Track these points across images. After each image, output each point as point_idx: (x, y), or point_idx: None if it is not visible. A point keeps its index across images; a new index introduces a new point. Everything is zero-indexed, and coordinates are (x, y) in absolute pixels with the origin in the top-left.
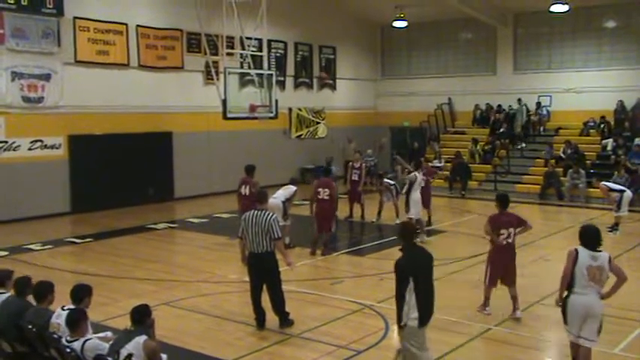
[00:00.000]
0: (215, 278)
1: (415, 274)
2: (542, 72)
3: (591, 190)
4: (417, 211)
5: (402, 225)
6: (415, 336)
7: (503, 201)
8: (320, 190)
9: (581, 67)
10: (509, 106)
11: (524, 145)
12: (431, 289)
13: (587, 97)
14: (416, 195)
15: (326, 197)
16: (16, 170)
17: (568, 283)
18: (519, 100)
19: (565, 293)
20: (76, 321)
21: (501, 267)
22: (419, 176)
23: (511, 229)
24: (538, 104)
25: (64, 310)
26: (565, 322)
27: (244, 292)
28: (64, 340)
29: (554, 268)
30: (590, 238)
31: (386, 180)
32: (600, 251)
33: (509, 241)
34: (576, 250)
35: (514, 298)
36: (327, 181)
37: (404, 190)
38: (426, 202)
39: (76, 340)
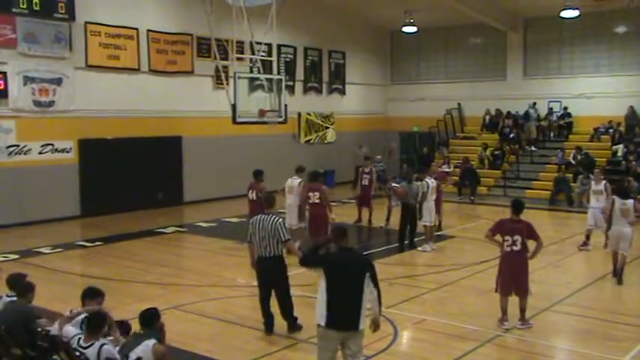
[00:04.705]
0: (224, 282)
1: (327, 269)
2: (552, 77)
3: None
4: (430, 219)
5: (332, 228)
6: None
7: (514, 206)
8: (310, 194)
9: (592, 73)
10: (517, 111)
11: (533, 148)
12: (344, 293)
13: (597, 103)
14: (430, 202)
15: (316, 201)
16: (27, 174)
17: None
18: (534, 103)
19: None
20: (97, 325)
21: (509, 275)
22: (430, 182)
23: (517, 237)
24: (550, 110)
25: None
26: None
27: (253, 297)
28: (74, 342)
29: (564, 274)
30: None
31: (394, 184)
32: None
33: (515, 248)
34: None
35: (521, 310)
36: (317, 186)
37: (418, 199)
38: (436, 207)
39: (92, 345)
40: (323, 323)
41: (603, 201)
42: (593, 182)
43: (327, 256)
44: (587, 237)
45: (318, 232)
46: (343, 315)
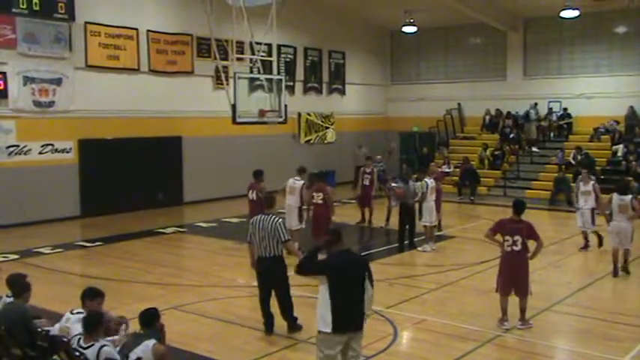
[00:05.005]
0: (224, 283)
1: (331, 274)
2: (552, 77)
3: (602, 195)
4: (430, 219)
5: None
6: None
7: (515, 206)
8: (314, 194)
9: (592, 73)
10: (517, 112)
11: (535, 149)
12: (348, 295)
13: (597, 103)
14: (430, 202)
15: (319, 201)
16: (27, 174)
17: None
18: (535, 104)
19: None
20: (94, 325)
21: (509, 275)
22: (429, 183)
23: (517, 237)
24: (550, 110)
25: (72, 313)
26: None
27: (253, 297)
28: (74, 342)
29: (564, 274)
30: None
31: (393, 184)
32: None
33: (515, 248)
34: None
35: (521, 310)
36: (322, 186)
37: (417, 198)
38: (436, 207)
39: (92, 345)
40: (329, 330)
41: (591, 202)
42: (581, 183)
43: (329, 261)
44: (585, 238)
45: (319, 233)
46: (349, 317)
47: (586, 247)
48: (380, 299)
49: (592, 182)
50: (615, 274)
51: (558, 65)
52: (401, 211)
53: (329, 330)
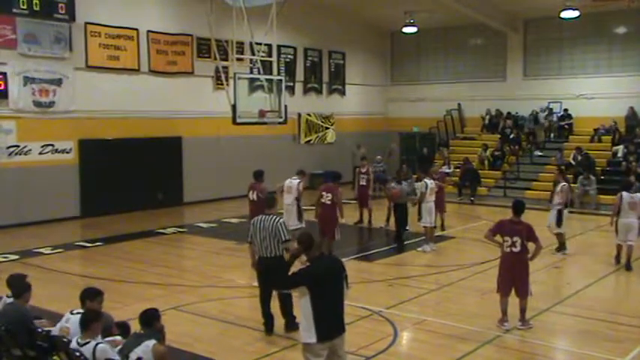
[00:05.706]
0: (224, 283)
1: (312, 284)
2: (552, 78)
3: (602, 196)
4: (430, 220)
5: (300, 236)
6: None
7: (514, 207)
8: (323, 194)
9: (592, 73)
10: (517, 112)
11: (540, 154)
12: (331, 301)
13: (597, 104)
14: (429, 203)
15: (327, 202)
16: (27, 174)
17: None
18: (547, 108)
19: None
20: (90, 321)
21: (508, 276)
22: (429, 183)
23: (516, 238)
24: (550, 110)
25: (72, 314)
26: None
27: (253, 298)
28: (74, 342)
29: (564, 275)
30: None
31: (392, 185)
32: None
33: (515, 250)
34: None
35: (521, 311)
36: (332, 187)
37: (416, 199)
38: (440, 208)
39: (88, 342)
40: (314, 340)
41: (557, 202)
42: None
43: (308, 271)
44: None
45: (326, 234)
46: (332, 323)
47: (560, 249)
48: (380, 299)
49: (561, 184)
50: (618, 261)
51: (558, 66)
52: (395, 212)
53: (314, 341)
